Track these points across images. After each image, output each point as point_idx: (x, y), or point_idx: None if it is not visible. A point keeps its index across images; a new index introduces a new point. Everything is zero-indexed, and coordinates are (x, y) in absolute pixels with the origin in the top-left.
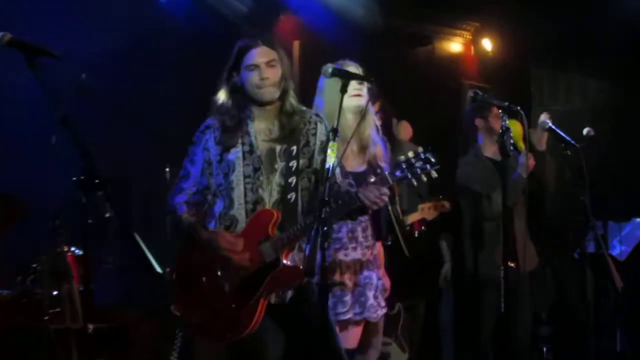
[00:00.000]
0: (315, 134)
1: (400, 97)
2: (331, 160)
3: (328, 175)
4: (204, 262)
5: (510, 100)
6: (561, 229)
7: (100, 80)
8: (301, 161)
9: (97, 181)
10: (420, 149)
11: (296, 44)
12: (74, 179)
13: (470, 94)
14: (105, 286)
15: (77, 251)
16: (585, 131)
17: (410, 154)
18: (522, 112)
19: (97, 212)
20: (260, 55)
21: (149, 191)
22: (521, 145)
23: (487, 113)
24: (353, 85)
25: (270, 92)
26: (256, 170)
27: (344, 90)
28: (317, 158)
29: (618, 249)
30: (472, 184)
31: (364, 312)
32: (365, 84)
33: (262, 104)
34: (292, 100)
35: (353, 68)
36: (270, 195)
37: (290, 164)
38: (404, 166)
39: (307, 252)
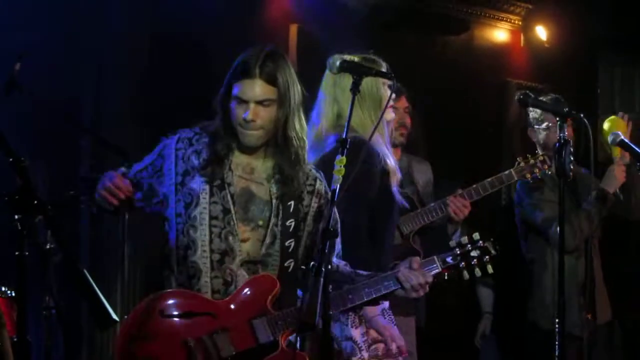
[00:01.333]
0: (312, 193)
1: (427, 99)
2: (338, 180)
3: (334, 198)
4: (174, 324)
5: (570, 106)
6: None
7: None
8: (300, 221)
9: (35, 202)
10: (476, 236)
11: (293, 28)
12: (5, 198)
13: (519, 95)
14: (45, 338)
15: (8, 292)
16: None
17: (465, 240)
18: (585, 121)
19: (35, 242)
20: (251, 89)
21: (102, 214)
22: (616, 153)
23: (538, 123)
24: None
25: (254, 137)
26: (226, 212)
27: (355, 89)
28: (311, 224)
29: None
30: (544, 208)
31: None
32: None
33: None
34: (294, 142)
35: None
36: (246, 249)
37: (288, 223)
38: (458, 252)
39: (304, 299)
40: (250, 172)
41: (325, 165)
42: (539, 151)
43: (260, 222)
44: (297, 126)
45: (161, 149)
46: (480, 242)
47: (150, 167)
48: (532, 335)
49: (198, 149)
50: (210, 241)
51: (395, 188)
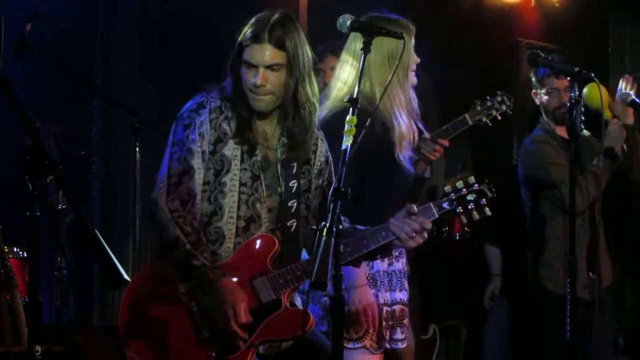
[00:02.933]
0: (315, 152)
1: (439, 60)
2: (349, 140)
3: (345, 158)
4: (177, 289)
5: (581, 65)
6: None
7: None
8: (302, 181)
9: (46, 162)
10: (472, 179)
11: None
12: (16, 158)
13: (529, 55)
14: (56, 298)
15: (20, 253)
16: None
17: (460, 184)
18: (596, 80)
19: (46, 203)
20: (260, 54)
21: (114, 175)
22: (607, 114)
23: (539, 87)
24: (414, 58)
25: (265, 102)
26: (255, 178)
27: (366, 49)
28: (314, 182)
29: None
30: (551, 170)
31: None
32: None
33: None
34: (305, 107)
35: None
36: (268, 216)
37: (291, 184)
38: (454, 197)
39: (317, 258)
40: (266, 139)
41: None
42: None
43: (279, 189)
44: (308, 91)
45: (198, 128)
46: (476, 185)
47: (201, 154)
48: (540, 297)
49: (228, 115)
50: (238, 207)
51: (403, 155)
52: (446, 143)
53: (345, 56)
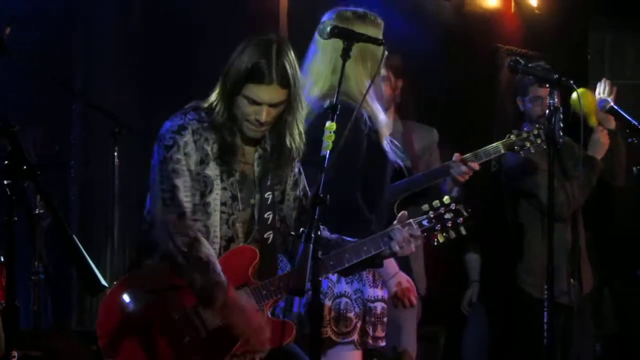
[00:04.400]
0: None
1: (418, 65)
2: (328, 146)
3: (325, 165)
4: (158, 297)
5: (561, 72)
6: (623, 239)
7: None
8: (276, 193)
9: (24, 167)
10: (447, 199)
11: None
12: None
13: (509, 62)
14: (33, 303)
15: None
16: None
17: (436, 204)
18: (576, 88)
19: (25, 207)
20: (267, 95)
21: (93, 180)
22: (593, 121)
23: (521, 94)
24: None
25: (261, 133)
26: (233, 198)
27: (345, 55)
28: (290, 194)
29: None
30: (535, 176)
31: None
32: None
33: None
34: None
35: (370, 28)
36: (243, 232)
37: (267, 195)
38: (432, 215)
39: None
40: (244, 154)
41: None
42: (536, 126)
43: (252, 201)
44: (295, 116)
45: (184, 148)
46: (453, 205)
47: (186, 174)
48: (520, 302)
49: (207, 135)
50: (220, 228)
51: (387, 146)
52: (476, 166)
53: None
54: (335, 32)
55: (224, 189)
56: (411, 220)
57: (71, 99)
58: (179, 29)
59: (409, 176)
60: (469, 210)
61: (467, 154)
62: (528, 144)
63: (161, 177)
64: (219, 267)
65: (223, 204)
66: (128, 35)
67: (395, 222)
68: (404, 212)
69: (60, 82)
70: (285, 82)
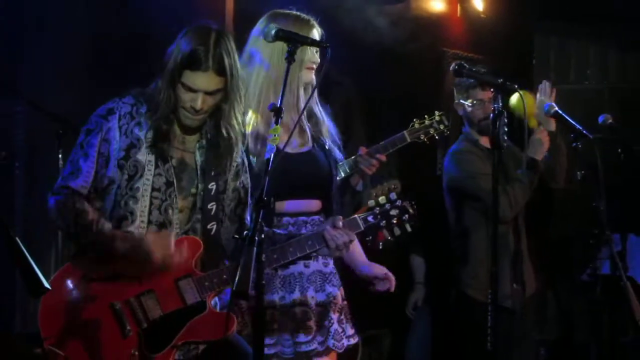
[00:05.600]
0: (233, 152)
1: (363, 67)
2: (273, 149)
3: (269, 168)
4: (99, 288)
5: (506, 76)
6: (567, 243)
7: None
8: (219, 182)
9: None
10: (393, 196)
11: None
12: None
13: (453, 66)
14: None
15: None
16: (602, 118)
17: (382, 199)
18: (520, 92)
19: None
20: (203, 82)
21: (37, 182)
22: (533, 122)
23: (464, 97)
24: (308, 55)
25: (198, 121)
26: (169, 184)
27: (291, 59)
28: (230, 184)
29: (639, 270)
30: (478, 180)
31: (328, 340)
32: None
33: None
34: (231, 122)
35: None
36: (179, 220)
37: (210, 186)
38: (377, 211)
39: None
40: (183, 142)
41: None
42: (436, 113)
43: (193, 190)
44: (234, 106)
45: (104, 134)
46: (399, 201)
47: (97, 159)
48: (464, 306)
49: (139, 120)
50: (150, 212)
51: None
52: (384, 158)
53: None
54: (280, 35)
55: (158, 174)
56: (356, 216)
57: (15, 100)
58: (128, 30)
59: None
60: (415, 207)
61: (374, 146)
62: (432, 131)
63: (72, 158)
64: (104, 222)
65: (157, 189)
66: (75, 35)
67: (328, 224)
68: (339, 217)
69: (2, 82)
70: (222, 70)
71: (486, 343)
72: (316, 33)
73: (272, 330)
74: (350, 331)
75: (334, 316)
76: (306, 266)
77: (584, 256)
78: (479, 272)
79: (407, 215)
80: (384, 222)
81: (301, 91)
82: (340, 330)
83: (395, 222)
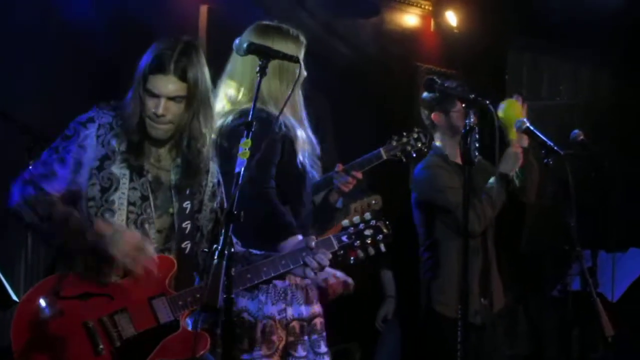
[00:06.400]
0: (207, 172)
1: (337, 82)
2: (243, 163)
3: (239, 181)
4: (73, 305)
5: (478, 92)
6: (538, 259)
7: None
8: (194, 202)
9: None
10: (368, 216)
11: (203, 10)
12: None
13: (425, 81)
14: None
15: None
16: (573, 134)
17: (357, 219)
18: (491, 107)
19: None
20: (164, 86)
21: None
22: (512, 134)
23: (449, 106)
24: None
25: (163, 131)
26: (144, 198)
27: (262, 72)
28: (207, 204)
29: (610, 287)
30: (447, 194)
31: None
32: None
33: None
34: (196, 139)
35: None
36: (157, 239)
37: (185, 205)
38: (352, 231)
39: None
40: (158, 159)
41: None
42: (415, 130)
43: (170, 210)
44: (202, 122)
45: (81, 140)
46: (373, 221)
47: (73, 165)
48: (432, 321)
49: (118, 132)
50: (127, 226)
51: (304, 157)
52: (359, 175)
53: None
54: (252, 49)
55: (133, 188)
56: (330, 236)
57: None
58: (97, 45)
59: None
60: (389, 227)
61: (350, 163)
62: (409, 148)
63: (45, 159)
64: (75, 213)
65: (132, 203)
66: (44, 43)
67: (305, 243)
68: (312, 237)
69: None
70: (184, 76)
71: (455, 359)
72: (302, 50)
73: (303, 342)
74: (325, 349)
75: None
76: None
77: (554, 272)
78: (448, 287)
79: (381, 235)
80: (358, 242)
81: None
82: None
83: (369, 242)
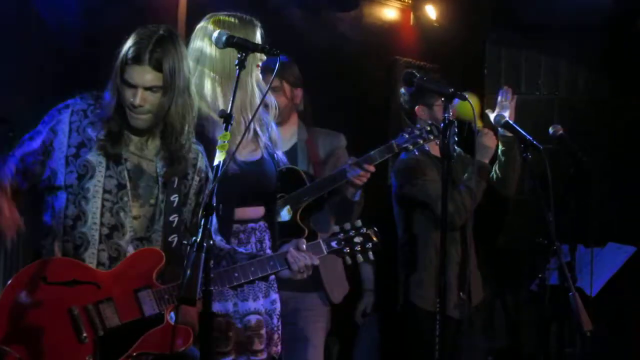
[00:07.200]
0: (195, 166)
1: (315, 75)
2: (222, 155)
3: (218, 174)
4: (58, 291)
5: (457, 85)
6: (516, 253)
7: None
8: (180, 195)
9: None
10: (359, 223)
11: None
12: None
13: (404, 75)
14: None
15: None
16: (552, 129)
17: (347, 226)
18: (470, 101)
19: None
20: (140, 76)
21: None
22: (479, 124)
23: (432, 100)
24: (257, 55)
25: (142, 121)
26: (120, 187)
27: (241, 65)
28: (192, 198)
29: (588, 281)
30: (426, 187)
31: (271, 347)
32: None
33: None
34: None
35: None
36: (134, 226)
37: (172, 198)
38: (342, 237)
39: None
40: (141, 148)
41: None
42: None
43: (152, 201)
44: (180, 110)
45: (53, 124)
46: (363, 229)
47: (41, 147)
48: (411, 315)
49: (93, 120)
50: (102, 214)
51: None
52: (372, 169)
53: (201, 68)
54: (232, 42)
55: (109, 176)
56: (320, 240)
57: None
58: (78, 34)
59: (311, 179)
60: (379, 235)
61: (363, 156)
62: (421, 141)
63: (20, 142)
64: None
65: (107, 191)
66: (24, 32)
67: (292, 246)
68: (302, 240)
69: None
70: (159, 66)
71: (434, 352)
72: (259, 33)
73: (228, 339)
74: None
75: (277, 323)
76: None
77: (532, 266)
78: (426, 280)
79: (370, 244)
80: (347, 248)
81: (256, 89)
82: (276, 337)
83: (358, 249)
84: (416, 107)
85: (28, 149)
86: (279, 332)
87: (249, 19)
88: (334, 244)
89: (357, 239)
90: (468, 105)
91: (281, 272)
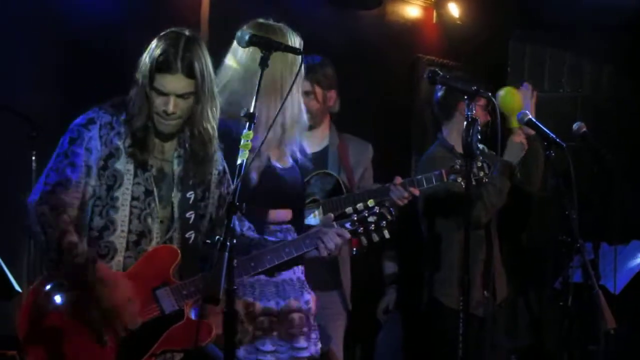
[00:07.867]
0: (214, 161)
1: (338, 73)
2: (245, 154)
3: (241, 172)
4: (78, 295)
5: (480, 84)
6: (540, 251)
7: None
8: (197, 191)
9: None
10: (371, 202)
11: (205, 0)
12: None
13: (427, 73)
14: None
15: None
16: (575, 126)
17: (360, 206)
18: (493, 100)
19: None
20: (172, 84)
21: (9, 185)
22: (514, 123)
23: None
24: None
25: (172, 126)
26: (148, 193)
27: (264, 64)
28: (215, 191)
29: (611, 279)
30: (450, 185)
31: (312, 347)
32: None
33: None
34: (204, 125)
35: (280, 35)
36: (159, 230)
37: (188, 195)
38: (355, 218)
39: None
40: (162, 151)
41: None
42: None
43: (170, 200)
44: (208, 115)
45: (86, 143)
46: (376, 208)
47: (85, 171)
48: (435, 312)
49: (119, 130)
50: (130, 222)
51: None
52: (416, 192)
53: (229, 62)
54: (254, 41)
55: (137, 183)
56: (334, 222)
57: None
58: (103, 35)
59: (346, 188)
60: (393, 213)
61: (409, 178)
62: (471, 176)
63: (50, 170)
64: (80, 248)
65: (135, 198)
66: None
67: (319, 225)
68: (329, 215)
69: None
70: (191, 72)
71: (457, 350)
72: (297, 41)
73: (271, 337)
74: (314, 335)
75: (313, 322)
76: (294, 272)
77: (556, 264)
78: (450, 278)
79: (384, 222)
80: (361, 228)
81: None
82: (314, 336)
83: (372, 228)
84: (459, 103)
85: (75, 177)
86: (317, 332)
87: (286, 26)
88: (348, 225)
89: (371, 218)
90: (512, 98)
91: (307, 254)
